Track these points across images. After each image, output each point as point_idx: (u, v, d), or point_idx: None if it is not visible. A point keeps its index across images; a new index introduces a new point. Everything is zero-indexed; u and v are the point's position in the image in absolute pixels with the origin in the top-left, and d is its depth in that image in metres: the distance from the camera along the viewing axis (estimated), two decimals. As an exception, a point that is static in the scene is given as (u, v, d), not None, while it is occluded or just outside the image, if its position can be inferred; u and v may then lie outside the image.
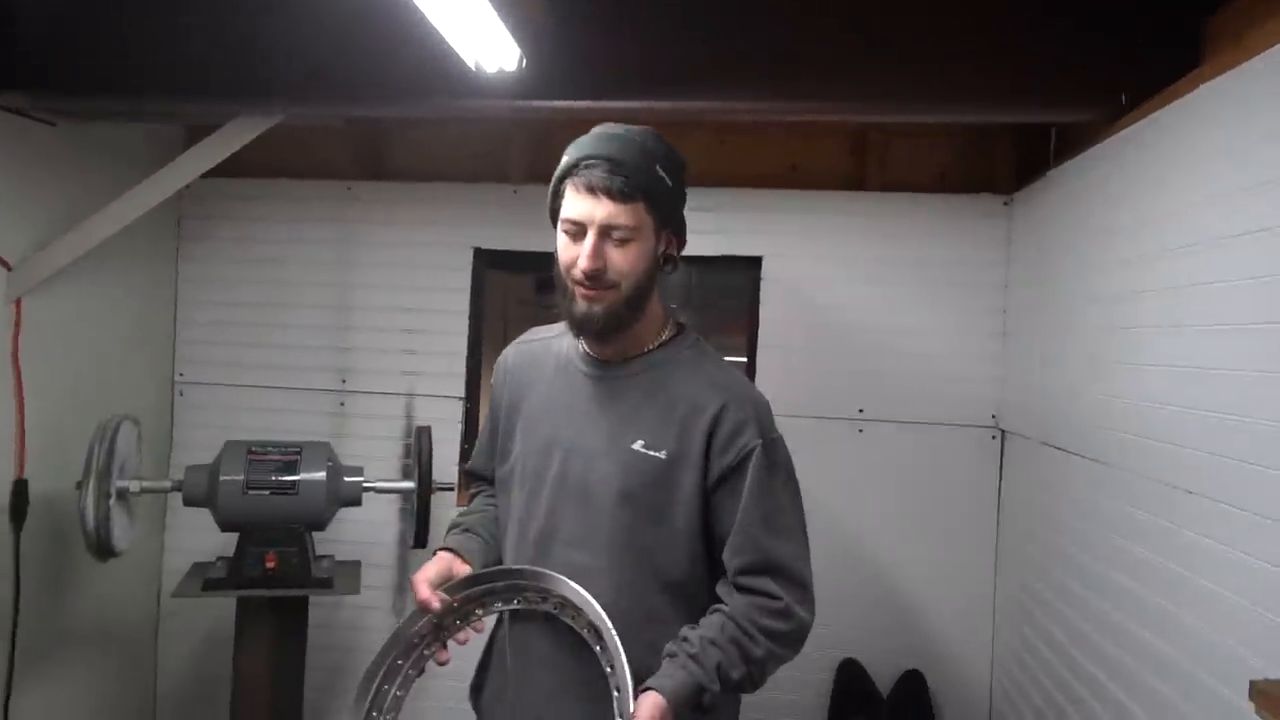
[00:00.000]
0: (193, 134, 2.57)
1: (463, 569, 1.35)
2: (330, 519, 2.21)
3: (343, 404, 2.76)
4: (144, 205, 2.27)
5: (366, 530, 2.63)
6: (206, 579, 2.18)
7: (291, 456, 2.16)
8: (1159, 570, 1.55)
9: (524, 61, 1.78)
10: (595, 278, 1.28)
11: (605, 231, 1.27)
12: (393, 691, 1.32)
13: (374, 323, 2.75)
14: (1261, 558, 1.25)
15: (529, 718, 1.36)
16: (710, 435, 1.31)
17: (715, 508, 1.32)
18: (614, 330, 1.33)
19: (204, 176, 2.47)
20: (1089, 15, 1.76)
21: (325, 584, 2.22)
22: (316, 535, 2.23)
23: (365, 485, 2.24)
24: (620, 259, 1.29)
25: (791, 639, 1.29)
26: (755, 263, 2.62)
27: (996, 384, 2.50)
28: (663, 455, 1.31)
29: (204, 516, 2.17)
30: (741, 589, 1.29)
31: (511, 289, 3.40)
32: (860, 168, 2.64)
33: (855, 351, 2.56)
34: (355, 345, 2.76)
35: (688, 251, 1.41)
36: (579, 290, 1.30)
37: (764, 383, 2.47)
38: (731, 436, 1.30)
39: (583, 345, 1.40)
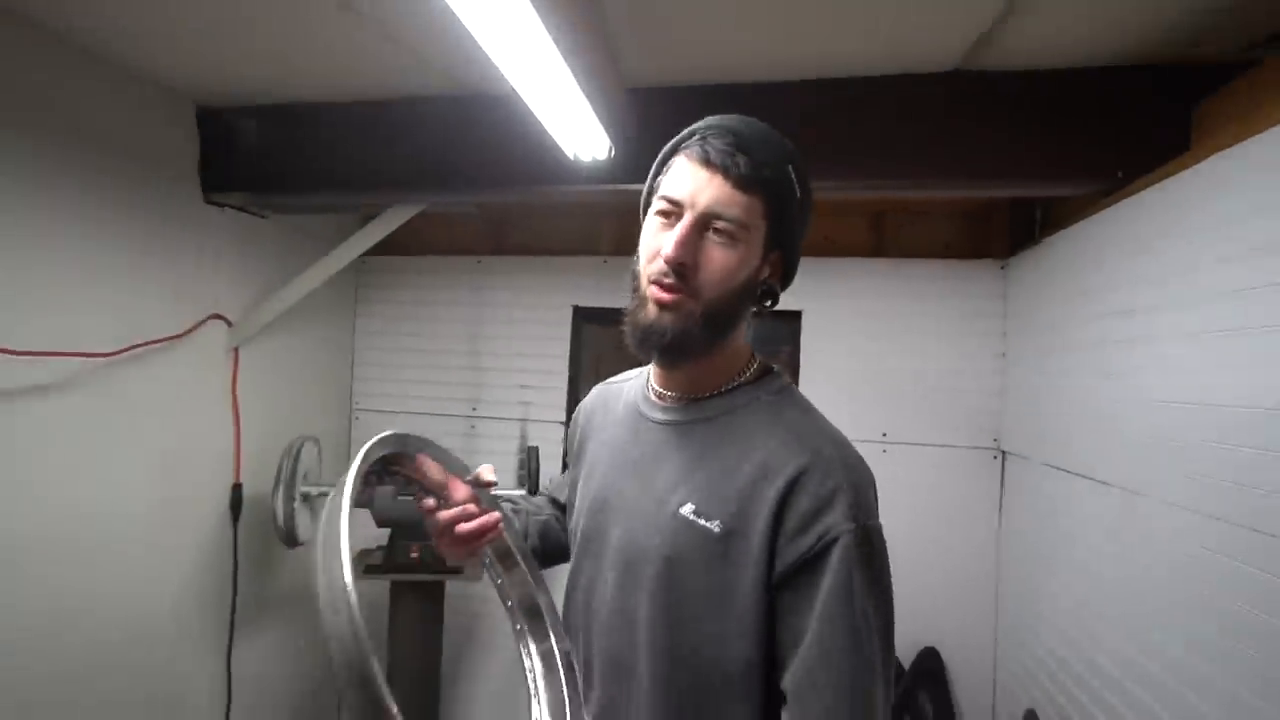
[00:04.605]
0: (364, 220, 2.76)
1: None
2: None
3: (473, 426, 2.91)
4: (328, 272, 2.41)
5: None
6: (366, 565, 2.34)
7: (431, 469, 2.29)
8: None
9: (613, 151, 1.78)
10: (679, 273, 0.88)
11: (705, 222, 0.89)
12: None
13: (498, 364, 2.91)
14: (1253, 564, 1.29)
15: None
16: (781, 507, 0.85)
17: (781, 612, 0.86)
18: (684, 351, 0.92)
19: (373, 254, 2.80)
20: (1092, 104, 1.77)
21: (456, 571, 2.39)
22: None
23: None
24: (714, 261, 0.89)
25: None
26: (797, 316, 2.69)
27: (996, 414, 2.53)
28: (715, 526, 0.87)
29: (368, 514, 2.31)
30: None
31: (603, 337, 3.34)
32: (879, 239, 2.70)
33: (880, 385, 2.61)
34: (484, 381, 2.94)
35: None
36: (654, 291, 0.90)
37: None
38: (812, 514, 0.85)
39: (651, 381, 1.03)
